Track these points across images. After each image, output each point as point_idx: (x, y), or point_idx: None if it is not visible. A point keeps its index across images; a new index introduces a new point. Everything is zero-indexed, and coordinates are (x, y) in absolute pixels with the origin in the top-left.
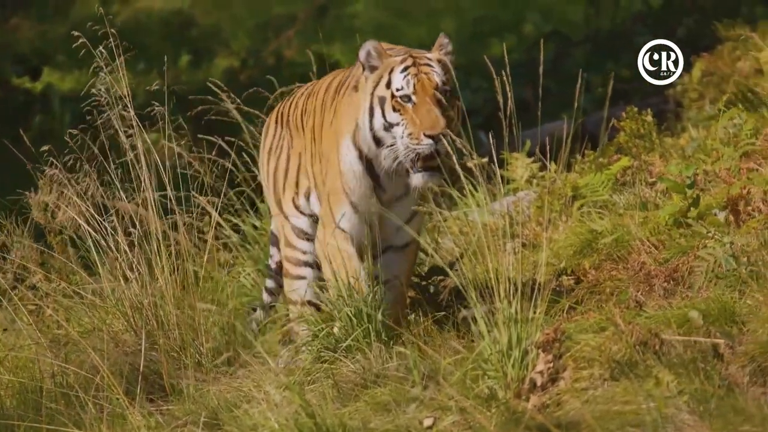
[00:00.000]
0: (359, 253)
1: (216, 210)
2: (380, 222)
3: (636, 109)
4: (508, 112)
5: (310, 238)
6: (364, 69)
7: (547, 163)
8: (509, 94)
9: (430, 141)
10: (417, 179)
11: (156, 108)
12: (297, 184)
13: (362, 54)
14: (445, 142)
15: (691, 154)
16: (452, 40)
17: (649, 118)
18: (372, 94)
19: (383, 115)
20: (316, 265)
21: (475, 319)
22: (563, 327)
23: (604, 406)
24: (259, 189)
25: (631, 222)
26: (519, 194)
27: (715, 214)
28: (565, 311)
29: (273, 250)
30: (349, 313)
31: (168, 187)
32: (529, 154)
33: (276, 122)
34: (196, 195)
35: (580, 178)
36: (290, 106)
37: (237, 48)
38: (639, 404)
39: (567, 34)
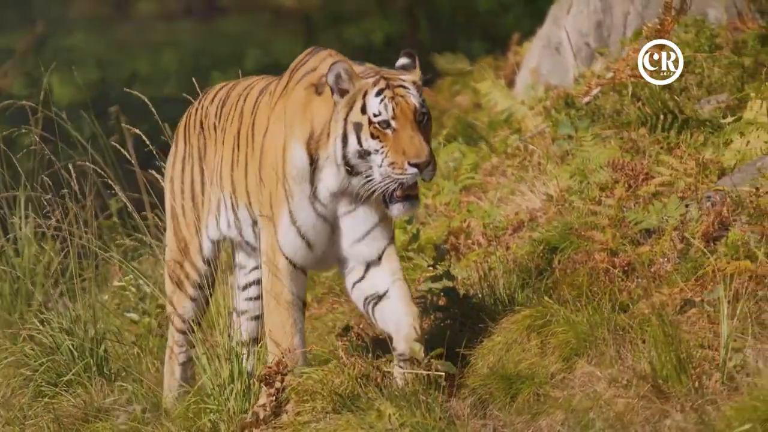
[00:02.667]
0: (305, 274)
1: None
2: (341, 240)
3: None
4: None
5: (210, 264)
6: (333, 92)
7: None
8: None
9: (415, 170)
10: (397, 209)
11: None
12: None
13: (331, 77)
14: (430, 168)
15: None
16: (173, 73)
17: None
18: (345, 120)
19: (359, 142)
20: (206, 289)
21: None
22: (286, 360)
23: None
24: None
25: None
26: None
27: (437, 248)
28: None
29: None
30: (70, 346)
31: None
32: None
33: (186, 130)
34: None
35: None
36: (201, 114)
37: None
38: None
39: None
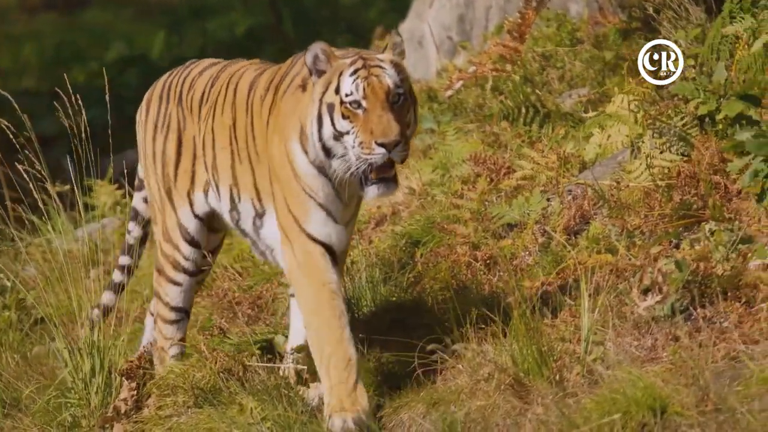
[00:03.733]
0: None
1: None
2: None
3: None
4: (89, 138)
5: (194, 243)
6: (311, 74)
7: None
8: (87, 120)
9: (383, 150)
10: (371, 192)
11: None
12: (193, 175)
13: (309, 58)
14: (400, 149)
15: None
16: (34, 66)
17: None
18: (320, 100)
19: (332, 123)
20: (197, 272)
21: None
22: (147, 355)
23: None
24: None
25: None
26: (103, 221)
27: None
28: None
29: (131, 225)
30: None
31: None
32: (113, 181)
33: (161, 98)
34: None
35: None
36: (182, 85)
37: None
38: (223, 431)
39: (151, 60)
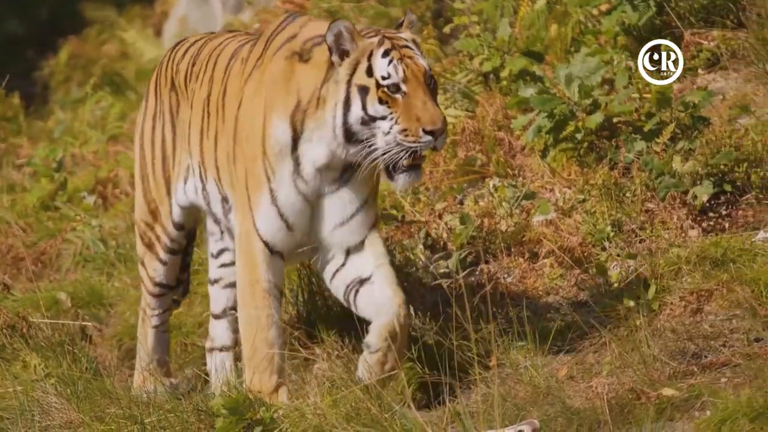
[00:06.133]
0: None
1: None
2: (323, 224)
3: (3, 91)
4: None
5: (180, 227)
6: (332, 53)
7: None
8: None
9: (430, 138)
10: (402, 179)
11: None
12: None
13: (330, 36)
14: (444, 136)
15: (59, 137)
16: None
17: (16, 100)
18: (348, 82)
19: (364, 107)
20: (181, 252)
21: None
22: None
23: None
24: None
25: None
26: None
27: (84, 198)
28: None
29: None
30: None
31: None
32: None
33: (156, 83)
34: None
35: None
36: (172, 68)
37: None
38: (6, 388)
39: None
